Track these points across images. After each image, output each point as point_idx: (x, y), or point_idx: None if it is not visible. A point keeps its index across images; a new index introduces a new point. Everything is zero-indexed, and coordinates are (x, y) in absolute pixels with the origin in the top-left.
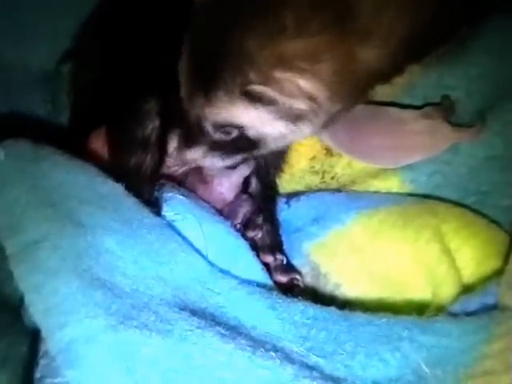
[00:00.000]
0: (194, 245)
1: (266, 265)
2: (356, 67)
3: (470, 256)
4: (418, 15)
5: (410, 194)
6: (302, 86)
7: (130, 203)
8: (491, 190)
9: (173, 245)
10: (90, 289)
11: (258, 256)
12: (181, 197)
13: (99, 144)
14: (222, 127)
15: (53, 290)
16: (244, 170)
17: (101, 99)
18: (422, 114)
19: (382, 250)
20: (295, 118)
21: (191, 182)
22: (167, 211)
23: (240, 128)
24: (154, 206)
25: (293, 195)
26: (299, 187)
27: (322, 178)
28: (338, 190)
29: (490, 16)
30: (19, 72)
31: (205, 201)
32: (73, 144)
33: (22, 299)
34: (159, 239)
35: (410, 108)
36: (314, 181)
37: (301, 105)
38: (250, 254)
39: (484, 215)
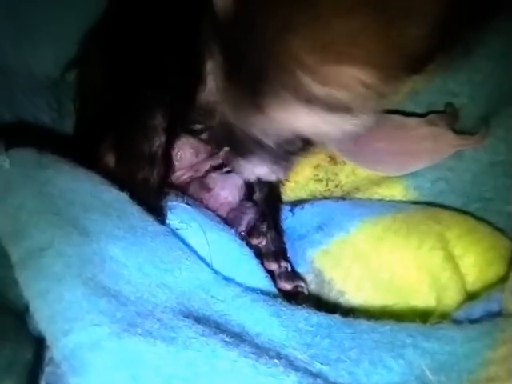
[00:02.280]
0: (198, 252)
1: (270, 272)
2: (400, 46)
3: (474, 262)
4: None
5: (414, 202)
6: (355, 75)
7: (135, 211)
8: (495, 197)
9: (177, 252)
10: (94, 296)
11: (262, 263)
12: (185, 205)
13: (105, 154)
14: (283, 139)
15: (57, 296)
16: None
17: (107, 108)
18: (426, 121)
19: (386, 257)
20: (353, 109)
21: (194, 190)
22: (171, 219)
23: (300, 134)
24: (159, 215)
25: (297, 203)
26: (303, 195)
27: (326, 185)
28: (342, 198)
29: (492, 20)
30: (23, 78)
31: (209, 208)
32: (78, 152)
33: (26, 306)
34: (163, 247)
35: (413, 115)
36: (318, 188)
37: (357, 94)
38: (253, 262)
39: (488, 222)
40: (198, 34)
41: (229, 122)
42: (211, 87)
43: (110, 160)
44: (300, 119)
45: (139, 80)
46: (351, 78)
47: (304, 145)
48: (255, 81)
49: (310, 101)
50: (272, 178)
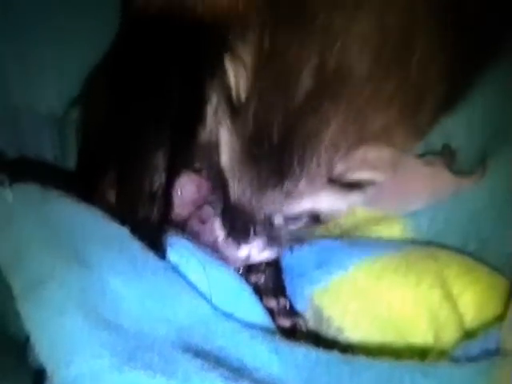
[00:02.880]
0: (197, 288)
1: (269, 309)
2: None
3: (472, 301)
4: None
5: (413, 241)
6: (383, 157)
7: (135, 245)
8: (493, 237)
9: (177, 287)
10: (95, 328)
11: (261, 300)
12: (184, 241)
13: (107, 189)
14: (297, 217)
15: (58, 328)
16: None
17: (109, 146)
18: (424, 162)
19: (385, 295)
20: (368, 185)
21: (192, 225)
22: (171, 255)
23: (315, 213)
24: (159, 250)
25: None
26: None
27: (325, 225)
28: (341, 237)
29: (489, 63)
30: (28, 115)
31: (206, 242)
32: (80, 187)
33: (27, 338)
34: (163, 281)
35: (412, 155)
36: (317, 227)
37: (379, 175)
38: (252, 298)
39: (486, 261)
40: (199, 76)
41: (238, 200)
42: (211, 128)
43: (112, 196)
44: (319, 198)
45: (141, 119)
46: (375, 158)
47: (310, 221)
48: (277, 160)
49: (332, 181)
50: (272, 257)
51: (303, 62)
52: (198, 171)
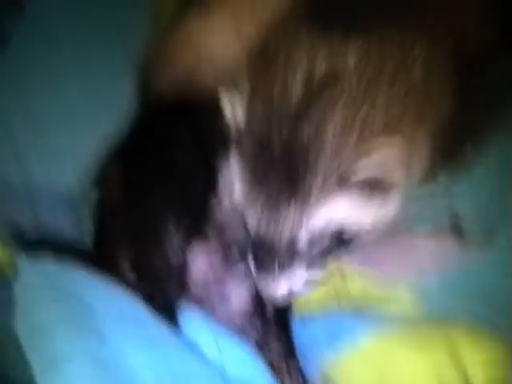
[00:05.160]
0: (212, 363)
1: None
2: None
3: (484, 376)
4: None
5: (423, 315)
6: (392, 151)
7: (152, 320)
8: (503, 311)
9: (192, 365)
10: None
11: (273, 374)
12: (200, 315)
13: (123, 265)
14: (320, 235)
15: None
16: None
17: (125, 223)
18: (432, 235)
19: (396, 368)
20: (386, 192)
21: (208, 297)
22: (187, 330)
23: (338, 226)
24: (174, 325)
25: (308, 314)
26: (313, 306)
27: (337, 300)
28: (352, 311)
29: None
30: (46, 193)
31: (222, 315)
32: (96, 262)
33: None
34: (179, 358)
35: (420, 230)
36: (329, 302)
37: (392, 170)
38: (265, 373)
39: (496, 335)
40: (212, 149)
41: (257, 232)
42: (224, 198)
43: (128, 272)
44: (337, 206)
45: (158, 193)
46: (384, 153)
47: (333, 245)
48: (284, 173)
49: (346, 183)
50: (303, 291)
51: (292, 73)
52: (209, 243)
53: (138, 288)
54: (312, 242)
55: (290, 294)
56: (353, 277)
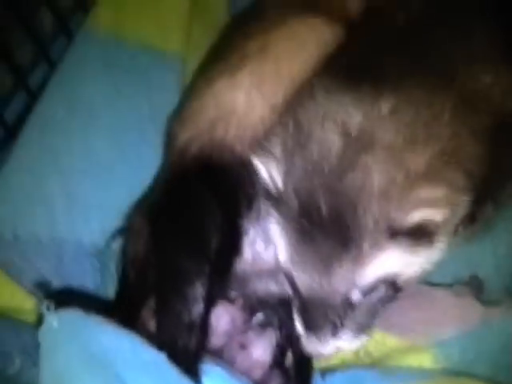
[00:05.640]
0: None
1: None
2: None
3: None
4: None
5: (443, 370)
6: (436, 195)
7: (172, 372)
8: None
9: None
10: None
11: None
12: (219, 369)
13: (146, 317)
14: (373, 287)
15: None
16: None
17: (149, 276)
18: (452, 292)
19: None
20: (432, 241)
21: (229, 348)
22: (207, 381)
23: (390, 276)
24: (195, 377)
25: (328, 370)
26: (334, 361)
27: (356, 353)
28: (372, 366)
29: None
30: (71, 246)
31: (241, 368)
32: (119, 315)
33: None
34: None
35: (440, 286)
36: (349, 356)
37: (437, 212)
38: None
39: None
40: (237, 210)
41: (309, 291)
42: (247, 257)
43: (150, 323)
44: (387, 257)
45: (181, 251)
46: (429, 198)
47: (389, 290)
48: (332, 229)
49: (395, 234)
50: (353, 347)
51: (326, 129)
52: (232, 301)
53: (159, 339)
54: (366, 295)
55: (337, 351)
56: (372, 332)
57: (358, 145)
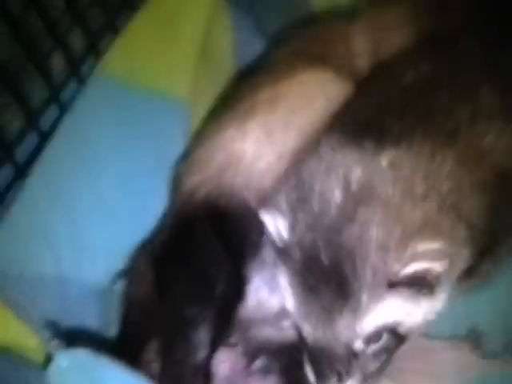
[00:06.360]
0: None
1: None
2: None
3: None
4: None
5: None
6: (434, 247)
7: None
8: None
9: None
10: None
11: None
12: None
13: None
14: (375, 335)
15: None
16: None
17: (153, 319)
18: (450, 345)
19: None
20: (433, 290)
21: None
22: None
23: (392, 325)
24: None
25: None
26: None
27: None
28: None
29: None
30: (75, 286)
31: None
32: (122, 357)
33: None
34: None
35: (438, 338)
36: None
37: (435, 264)
38: None
39: None
40: (242, 258)
41: (314, 340)
42: (251, 304)
43: (152, 366)
44: (388, 307)
45: (187, 297)
46: (427, 250)
47: (392, 338)
48: (334, 281)
49: (394, 284)
50: None
51: (328, 181)
52: (233, 346)
53: (163, 381)
54: (368, 343)
55: None
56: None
57: (357, 198)
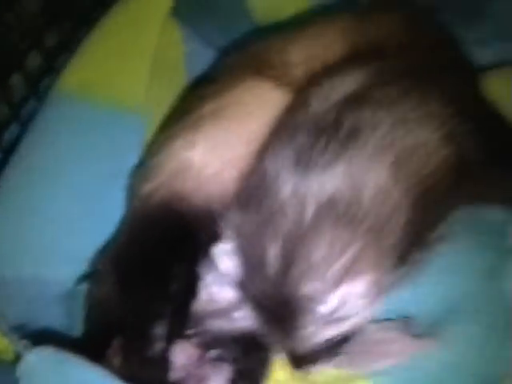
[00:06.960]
0: None
1: None
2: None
3: None
4: None
5: None
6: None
7: None
8: None
9: None
10: None
11: None
12: None
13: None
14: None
15: None
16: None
17: (115, 317)
18: (382, 328)
19: None
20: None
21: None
22: None
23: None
24: None
25: None
26: None
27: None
28: None
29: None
30: (39, 288)
31: None
32: (86, 353)
33: None
34: None
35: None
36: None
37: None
38: None
39: None
40: (194, 257)
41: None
42: (202, 299)
43: (114, 361)
44: (321, 331)
45: (145, 295)
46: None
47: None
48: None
49: (327, 319)
50: None
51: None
52: (188, 338)
53: (126, 373)
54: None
55: None
56: None
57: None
